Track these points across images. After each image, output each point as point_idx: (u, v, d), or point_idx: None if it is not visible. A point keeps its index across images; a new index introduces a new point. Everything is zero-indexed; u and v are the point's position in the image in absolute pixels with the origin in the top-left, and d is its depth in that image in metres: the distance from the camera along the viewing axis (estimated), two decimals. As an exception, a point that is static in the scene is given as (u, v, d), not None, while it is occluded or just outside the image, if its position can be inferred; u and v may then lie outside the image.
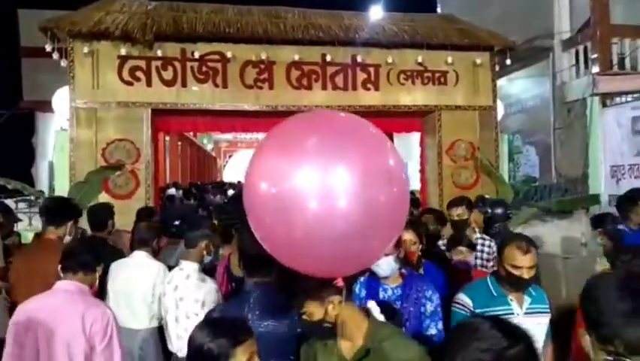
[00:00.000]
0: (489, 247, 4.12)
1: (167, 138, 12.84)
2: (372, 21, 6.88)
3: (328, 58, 6.35)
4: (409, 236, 3.20)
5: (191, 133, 15.21)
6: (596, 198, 7.09)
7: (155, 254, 3.67)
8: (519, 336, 1.28)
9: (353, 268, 2.10)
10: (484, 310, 2.51)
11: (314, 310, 1.87)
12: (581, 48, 8.56)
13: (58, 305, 2.45)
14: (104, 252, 3.39)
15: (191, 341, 1.63)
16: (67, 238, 3.47)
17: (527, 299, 2.60)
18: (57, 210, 3.60)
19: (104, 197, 5.52)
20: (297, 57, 6.26)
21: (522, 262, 2.49)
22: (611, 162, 7.29)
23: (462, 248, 3.55)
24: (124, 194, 5.75)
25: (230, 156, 26.37)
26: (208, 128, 9.77)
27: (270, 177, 1.77)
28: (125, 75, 5.92)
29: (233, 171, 25.25)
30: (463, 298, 2.62)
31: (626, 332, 1.25)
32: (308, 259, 1.75)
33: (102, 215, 4.19)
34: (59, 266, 2.56)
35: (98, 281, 2.71)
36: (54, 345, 2.38)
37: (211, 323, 1.70)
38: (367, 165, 1.75)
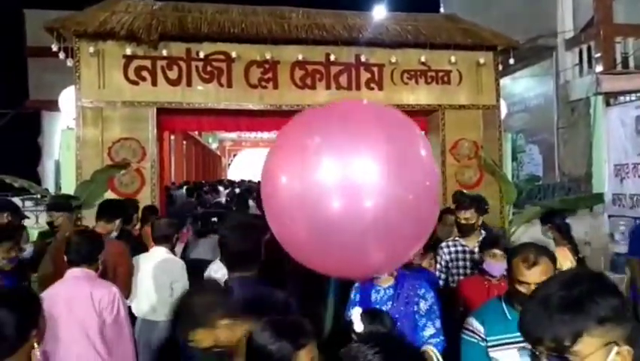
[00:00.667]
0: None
1: (173, 137, 12.91)
2: (375, 21, 6.91)
3: (332, 57, 6.38)
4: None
5: (196, 132, 15.27)
6: (599, 197, 7.10)
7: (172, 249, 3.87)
8: (405, 355, 1.18)
9: (375, 270, 1.98)
10: (497, 338, 2.18)
11: (203, 337, 1.77)
12: (584, 47, 8.57)
13: (70, 290, 2.77)
14: (128, 243, 3.82)
15: (251, 341, 1.61)
16: (114, 234, 3.82)
17: None
18: (111, 208, 4.02)
19: (109, 195, 5.56)
20: (301, 57, 6.29)
21: (529, 277, 2.11)
22: (614, 161, 7.28)
23: (496, 251, 3.09)
24: (130, 192, 5.80)
25: (234, 155, 26.44)
26: (213, 128, 9.83)
27: (289, 173, 1.67)
28: (131, 75, 5.96)
29: (237, 169, 25.34)
30: (473, 323, 2.25)
31: (523, 320, 1.17)
32: (329, 259, 1.65)
33: (129, 209, 4.55)
34: (65, 259, 2.85)
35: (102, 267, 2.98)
36: (71, 324, 2.65)
37: (274, 325, 1.64)
38: (397, 159, 1.62)
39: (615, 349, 1.07)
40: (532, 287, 2.03)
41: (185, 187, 11.18)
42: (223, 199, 10.06)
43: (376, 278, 2.64)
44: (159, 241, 3.74)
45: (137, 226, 5.03)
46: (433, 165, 1.74)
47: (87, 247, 2.86)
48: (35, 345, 1.87)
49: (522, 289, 2.14)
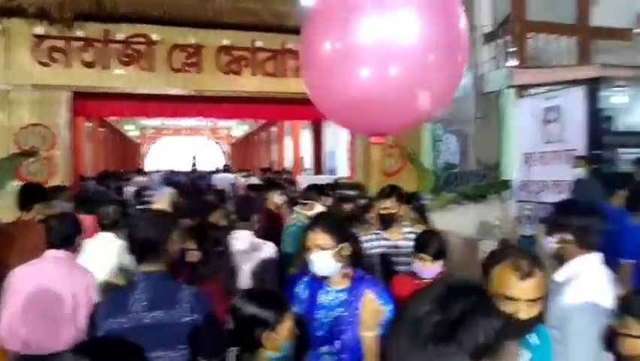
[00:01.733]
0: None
1: (90, 125, 12.26)
2: (302, 8, 6.88)
3: (258, 44, 6.30)
4: None
5: (114, 119, 14.59)
6: (506, 184, 7.59)
7: None
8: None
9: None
10: None
11: None
12: (500, 42, 9.04)
13: (49, 269, 2.83)
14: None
15: (237, 311, 1.77)
16: (39, 217, 3.74)
17: (526, 355, 1.69)
18: (23, 197, 3.95)
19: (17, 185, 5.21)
20: (226, 42, 6.16)
21: (519, 291, 1.64)
22: (524, 150, 7.78)
23: (424, 255, 2.88)
24: (38, 182, 5.44)
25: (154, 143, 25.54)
26: (133, 113, 9.41)
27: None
28: (42, 56, 5.59)
29: (154, 158, 24.55)
30: None
31: (390, 347, 0.94)
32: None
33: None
34: (46, 242, 2.89)
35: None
36: (48, 302, 2.75)
37: (257, 295, 1.85)
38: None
39: None
40: (522, 306, 1.63)
41: (93, 178, 10.62)
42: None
43: (327, 278, 2.25)
44: (106, 227, 3.68)
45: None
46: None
47: (66, 229, 2.91)
48: None
49: (507, 307, 1.62)
